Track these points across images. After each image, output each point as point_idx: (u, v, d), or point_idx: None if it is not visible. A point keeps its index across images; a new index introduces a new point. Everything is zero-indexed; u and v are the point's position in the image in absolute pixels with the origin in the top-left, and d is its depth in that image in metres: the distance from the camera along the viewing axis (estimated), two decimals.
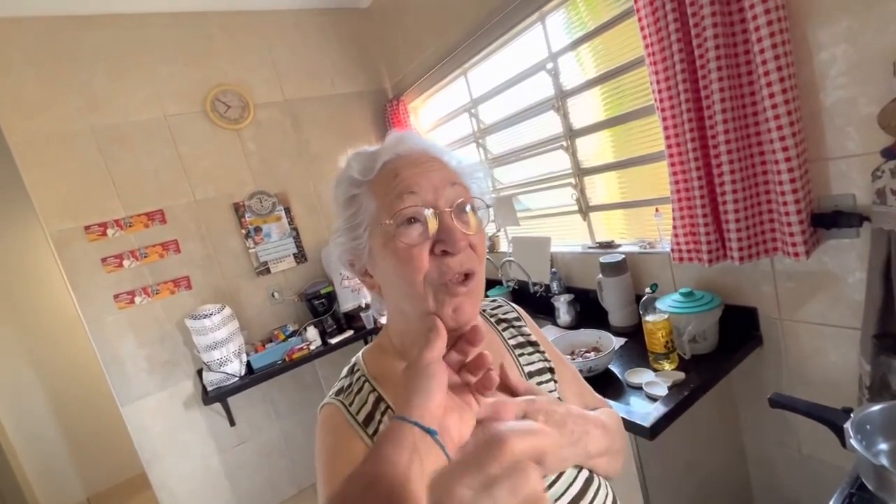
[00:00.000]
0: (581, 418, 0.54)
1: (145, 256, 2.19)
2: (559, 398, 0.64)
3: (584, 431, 0.53)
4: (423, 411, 0.41)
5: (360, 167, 0.54)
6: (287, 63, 2.54)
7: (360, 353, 0.63)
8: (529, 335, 0.69)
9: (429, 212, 0.49)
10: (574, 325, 1.77)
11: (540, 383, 0.65)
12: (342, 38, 2.69)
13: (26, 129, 1.97)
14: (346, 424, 0.53)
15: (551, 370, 0.67)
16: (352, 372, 0.60)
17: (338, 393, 0.58)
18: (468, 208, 0.52)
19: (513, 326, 0.70)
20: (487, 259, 2.24)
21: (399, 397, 0.45)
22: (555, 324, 1.83)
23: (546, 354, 0.68)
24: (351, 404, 0.55)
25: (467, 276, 0.50)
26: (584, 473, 0.57)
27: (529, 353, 0.67)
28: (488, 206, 0.55)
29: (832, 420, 0.75)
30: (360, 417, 0.53)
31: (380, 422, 0.53)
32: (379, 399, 0.55)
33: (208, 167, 2.34)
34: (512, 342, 0.67)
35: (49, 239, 2.05)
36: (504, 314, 0.71)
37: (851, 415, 0.73)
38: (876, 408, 0.73)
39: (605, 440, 0.56)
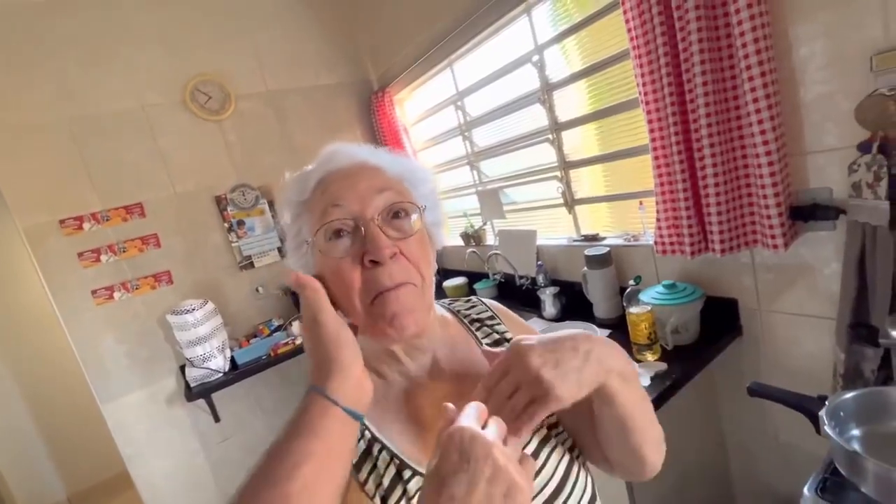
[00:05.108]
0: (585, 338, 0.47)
1: (124, 251, 2.14)
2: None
3: (589, 349, 0.46)
4: (344, 389, 0.44)
5: (296, 190, 0.54)
6: (269, 52, 2.48)
7: None
8: (505, 332, 0.66)
9: (353, 223, 0.49)
10: (559, 318, 1.79)
11: None
12: (326, 28, 2.64)
13: None
14: None
15: None
16: None
17: None
18: (401, 213, 0.52)
19: (486, 325, 0.67)
20: (474, 252, 2.25)
21: (313, 362, 0.47)
22: (540, 316, 1.84)
23: None
24: None
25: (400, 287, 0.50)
26: (563, 466, 0.56)
27: None
28: (421, 208, 0.54)
29: (807, 408, 0.77)
30: None
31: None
32: None
33: (188, 159, 2.29)
34: (486, 341, 0.65)
35: (22, 233, 1.98)
36: (478, 314, 0.69)
37: (826, 402, 0.75)
38: (849, 395, 0.75)
39: (624, 364, 0.49)
